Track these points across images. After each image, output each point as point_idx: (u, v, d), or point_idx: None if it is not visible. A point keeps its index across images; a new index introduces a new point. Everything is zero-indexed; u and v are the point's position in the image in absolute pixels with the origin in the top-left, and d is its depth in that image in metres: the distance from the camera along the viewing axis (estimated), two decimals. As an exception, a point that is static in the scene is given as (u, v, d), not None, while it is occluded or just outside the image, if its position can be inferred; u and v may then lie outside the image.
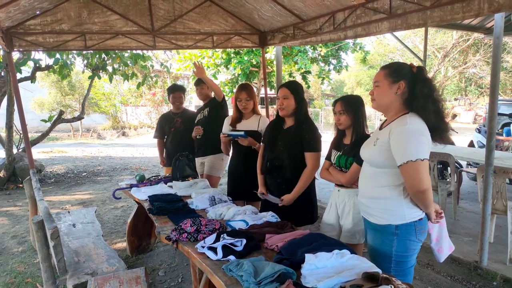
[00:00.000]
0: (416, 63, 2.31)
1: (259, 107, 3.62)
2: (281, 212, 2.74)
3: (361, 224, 2.36)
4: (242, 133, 3.19)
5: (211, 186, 3.60)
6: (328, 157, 2.70)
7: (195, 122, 4.21)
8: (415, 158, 1.80)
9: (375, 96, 2.02)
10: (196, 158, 4.19)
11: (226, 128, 3.51)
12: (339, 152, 2.60)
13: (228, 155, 3.77)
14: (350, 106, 2.54)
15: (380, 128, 2.07)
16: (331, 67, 12.67)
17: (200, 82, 4.22)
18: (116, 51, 7.20)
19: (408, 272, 2.04)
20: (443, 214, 2.08)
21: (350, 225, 2.51)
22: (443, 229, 2.13)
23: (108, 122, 20.82)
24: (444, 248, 2.17)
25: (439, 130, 1.91)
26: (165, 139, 4.69)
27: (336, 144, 2.66)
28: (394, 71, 1.95)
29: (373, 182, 2.03)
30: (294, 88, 2.80)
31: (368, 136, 2.39)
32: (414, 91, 1.91)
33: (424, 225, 1.99)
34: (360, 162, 2.22)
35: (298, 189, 2.75)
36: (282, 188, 2.81)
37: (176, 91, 4.53)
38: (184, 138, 4.36)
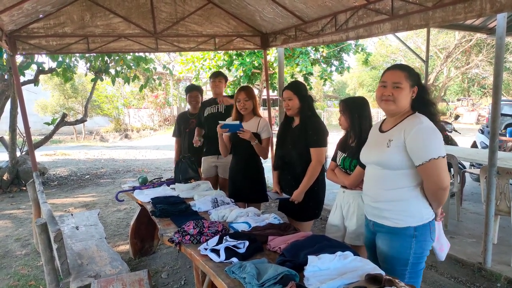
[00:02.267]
0: (419, 63, 2.31)
1: (261, 109, 3.59)
2: (288, 207, 2.95)
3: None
4: (238, 122, 3.16)
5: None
6: (334, 158, 2.71)
7: (208, 114, 4.05)
8: (437, 155, 1.79)
9: (396, 98, 1.88)
10: (205, 157, 4.07)
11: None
12: (344, 154, 2.60)
13: (226, 155, 3.69)
14: (347, 106, 2.56)
15: (380, 129, 2.04)
16: (333, 68, 12.68)
17: (219, 75, 4.17)
18: (119, 53, 7.24)
19: (420, 274, 2.03)
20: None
21: (354, 226, 2.50)
22: (440, 227, 2.13)
23: (111, 125, 20.93)
24: (444, 246, 2.16)
25: None
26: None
27: (342, 145, 2.66)
28: (412, 75, 1.93)
29: (387, 184, 1.95)
30: (297, 89, 2.92)
31: None
32: (419, 95, 1.93)
33: (434, 224, 1.99)
34: (363, 165, 2.20)
35: (305, 184, 2.85)
36: (292, 184, 2.92)
37: (193, 91, 4.52)
38: None
